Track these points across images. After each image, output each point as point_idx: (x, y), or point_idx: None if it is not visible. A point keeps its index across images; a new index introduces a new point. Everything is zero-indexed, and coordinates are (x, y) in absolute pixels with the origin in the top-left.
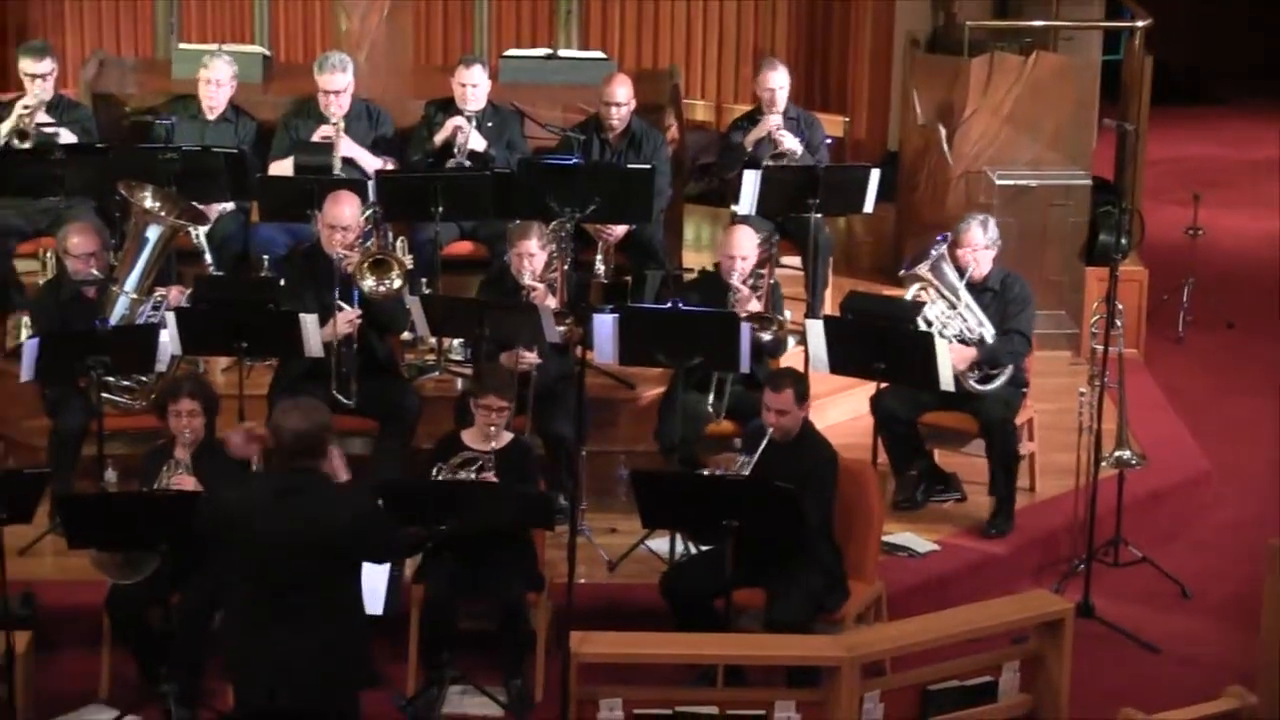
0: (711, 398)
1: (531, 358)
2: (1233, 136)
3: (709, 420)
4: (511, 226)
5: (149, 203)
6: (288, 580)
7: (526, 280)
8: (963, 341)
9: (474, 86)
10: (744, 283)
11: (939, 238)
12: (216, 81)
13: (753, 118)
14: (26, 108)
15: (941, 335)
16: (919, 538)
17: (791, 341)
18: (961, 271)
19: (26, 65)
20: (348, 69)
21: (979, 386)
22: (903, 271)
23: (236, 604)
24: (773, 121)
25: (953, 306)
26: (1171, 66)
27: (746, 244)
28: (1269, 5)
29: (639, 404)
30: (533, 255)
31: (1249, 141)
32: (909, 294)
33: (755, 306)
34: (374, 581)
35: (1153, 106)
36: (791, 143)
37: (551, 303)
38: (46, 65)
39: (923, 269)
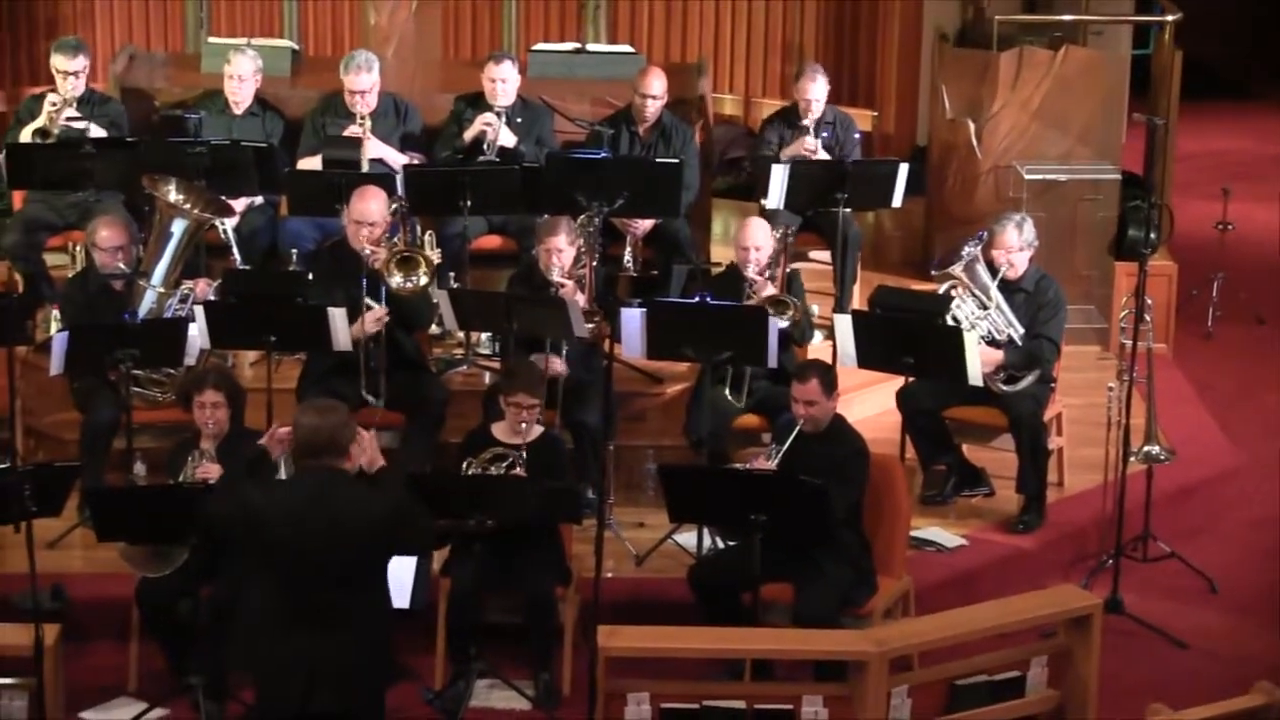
0: (728, 389)
1: (559, 366)
2: (1263, 130)
3: (736, 414)
4: (540, 222)
5: (173, 196)
6: (316, 582)
7: (555, 276)
8: (991, 343)
9: (504, 82)
10: (759, 274)
11: (975, 237)
12: (240, 77)
13: (786, 117)
14: (54, 104)
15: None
16: (947, 532)
17: (820, 335)
18: (994, 271)
19: (59, 62)
20: (373, 68)
21: (1005, 387)
22: (934, 270)
23: (259, 605)
24: (808, 144)
25: (984, 307)
26: (1202, 61)
27: (759, 235)
28: None
29: (667, 398)
30: (561, 251)
31: None
32: (940, 288)
33: (771, 291)
34: (401, 575)
35: (1183, 101)
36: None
37: (580, 299)
38: (79, 63)
39: (956, 269)
